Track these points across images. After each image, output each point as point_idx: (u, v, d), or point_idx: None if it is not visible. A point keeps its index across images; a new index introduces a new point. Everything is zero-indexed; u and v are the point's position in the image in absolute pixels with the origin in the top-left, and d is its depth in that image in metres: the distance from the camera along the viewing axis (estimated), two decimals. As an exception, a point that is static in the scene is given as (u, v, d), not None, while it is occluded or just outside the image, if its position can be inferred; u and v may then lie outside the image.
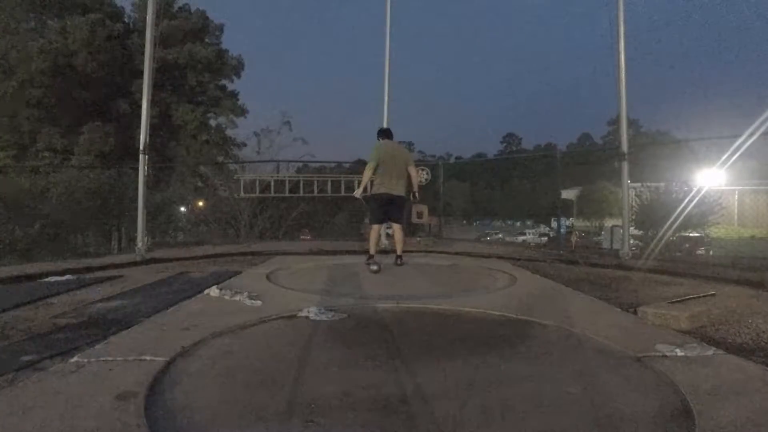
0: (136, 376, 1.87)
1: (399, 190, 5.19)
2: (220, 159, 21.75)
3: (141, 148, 6.12)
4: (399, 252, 5.38)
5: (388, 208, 5.29)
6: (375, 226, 5.44)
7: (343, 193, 8.93)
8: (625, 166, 6.08)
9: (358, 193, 5.47)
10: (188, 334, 2.46)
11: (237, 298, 3.35)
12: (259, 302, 3.24)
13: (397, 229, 5.49)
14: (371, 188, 5.29)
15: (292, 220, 12.68)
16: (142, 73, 6.21)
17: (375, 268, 4.92)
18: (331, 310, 3.00)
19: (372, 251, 5.29)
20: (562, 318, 2.88)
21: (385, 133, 5.65)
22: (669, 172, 9.08)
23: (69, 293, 3.82)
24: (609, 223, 17.00)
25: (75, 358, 2.09)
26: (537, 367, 2.16)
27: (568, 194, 22.41)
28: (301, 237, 12.89)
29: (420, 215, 8.84)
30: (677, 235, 7.44)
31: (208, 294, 3.52)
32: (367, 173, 5.14)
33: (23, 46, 20.10)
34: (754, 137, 5.42)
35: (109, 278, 4.55)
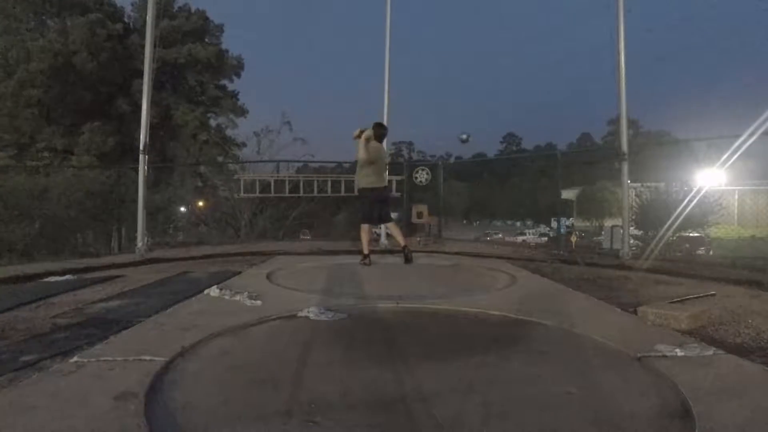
0: (136, 376, 1.87)
1: (383, 182, 5.62)
2: (220, 159, 21.74)
3: (141, 148, 6.12)
4: (404, 243, 5.45)
5: (378, 207, 5.52)
6: (365, 226, 5.52)
7: (343, 193, 8.92)
8: (625, 166, 6.08)
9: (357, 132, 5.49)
10: (188, 334, 2.46)
11: (237, 298, 3.35)
12: (259, 302, 3.24)
13: (392, 227, 5.69)
14: (357, 180, 5.54)
15: (292, 220, 12.69)
16: (142, 73, 6.21)
17: (367, 262, 5.26)
18: (331, 310, 3.00)
19: (366, 250, 5.34)
20: (562, 318, 2.88)
21: (383, 130, 5.70)
22: (669, 172, 9.07)
23: (69, 293, 3.81)
24: (609, 223, 17.00)
25: (75, 358, 2.09)
26: (537, 367, 2.16)
27: (568, 194, 22.41)
28: (301, 237, 12.89)
29: (420, 215, 8.84)
30: (677, 235, 7.44)
31: (208, 294, 3.52)
32: (361, 150, 5.29)
33: (23, 46, 20.11)
34: (754, 137, 5.41)
35: (109, 278, 4.55)
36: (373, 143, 5.47)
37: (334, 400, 1.73)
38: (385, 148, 5.92)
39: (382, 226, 7.05)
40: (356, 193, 5.81)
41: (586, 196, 23.81)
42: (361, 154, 5.29)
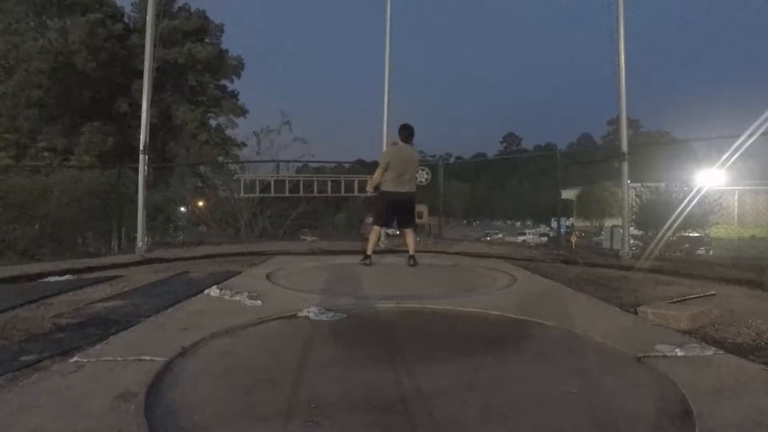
0: (136, 376, 1.87)
1: (408, 188, 5.34)
2: (220, 159, 21.74)
3: (141, 148, 6.12)
4: (412, 252, 5.38)
5: (397, 212, 5.44)
6: (377, 228, 5.49)
7: (343, 193, 8.92)
8: (625, 166, 6.08)
9: (369, 188, 5.74)
10: (188, 334, 2.46)
11: (237, 298, 3.35)
12: (259, 302, 3.24)
13: (408, 233, 5.50)
14: (381, 187, 5.42)
15: (292, 220, 12.67)
16: (142, 73, 6.20)
17: (368, 262, 5.27)
18: (331, 310, 3.00)
19: (369, 251, 5.34)
20: (562, 318, 2.88)
21: (404, 132, 5.53)
22: (669, 172, 9.07)
23: (69, 293, 3.81)
24: (609, 223, 17.00)
25: (75, 358, 2.09)
26: (537, 367, 2.16)
27: (568, 194, 22.41)
28: (301, 237, 12.88)
29: (420, 215, 8.85)
30: (677, 235, 7.43)
31: (208, 294, 3.52)
32: (376, 176, 5.34)
33: (23, 46, 20.11)
34: (754, 137, 5.41)
35: (109, 278, 4.54)
36: (392, 149, 5.46)
37: (335, 400, 1.73)
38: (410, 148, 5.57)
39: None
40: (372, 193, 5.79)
41: (586, 196, 23.82)
42: (378, 176, 5.32)
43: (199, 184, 15.49)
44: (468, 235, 19.55)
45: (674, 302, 3.33)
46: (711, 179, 8.02)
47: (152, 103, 6.42)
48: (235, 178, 11.89)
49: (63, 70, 20.73)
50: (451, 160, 35.35)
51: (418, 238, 8.32)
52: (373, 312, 3.16)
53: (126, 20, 24.14)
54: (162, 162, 17.39)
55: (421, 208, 8.91)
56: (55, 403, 1.63)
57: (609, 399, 1.77)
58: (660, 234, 6.59)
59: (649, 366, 2.09)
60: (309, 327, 2.75)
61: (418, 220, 8.85)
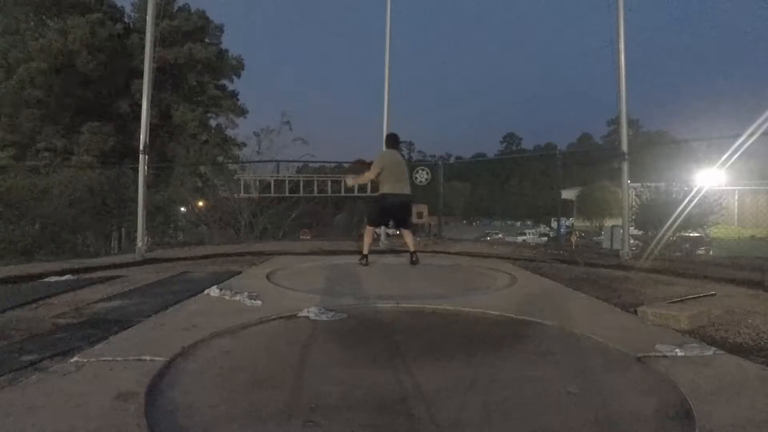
0: (136, 376, 1.87)
1: (406, 189, 5.53)
2: (220, 159, 21.73)
3: (141, 148, 6.11)
4: (413, 249, 5.46)
5: (394, 213, 5.57)
6: (370, 228, 5.57)
7: (343, 193, 8.94)
8: (625, 166, 6.08)
9: (349, 181, 6.34)
10: (188, 334, 2.46)
11: (237, 298, 3.35)
12: (259, 302, 3.24)
13: (406, 233, 5.64)
14: (381, 189, 5.52)
15: (292, 220, 12.67)
16: (142, 73, 6.20)
17: (364, 262, 5.30)
18: (331, 310, 3.00)
19: (366, 251, 5.37)
20: (562, 318, 2.88)
21: (390, 140, 5.79)
22: (669, 172, 9.06)
23: (69, 293, 3.81)
24: (609, 223, 16.99)
25: (75, 358, 2.09)
26: (537, 367, 2.16)
27: (568, 194, 22.42)
28: (301, 237, 12.89)
29: (420, 215, 8.85)
30: (677, 235, 7.43)
31: (208, 294, 3.52)
32: (370, 174, 5.50)
33: (23, 46, 20.11)
34: (754, 137, 5.41)
35: (109, 278, 4.54)
36: (386, 153, 5.61)
37: (335, 401, 1.73)
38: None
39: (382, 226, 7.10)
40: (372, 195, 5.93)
41: (586, 196, 23.82)
42: (372, 176, 5.46)
43: (199, 184, 15.49)
44: (468, 235, 19.54)
45: (674, 302, 3.33)
46: (711, 179, 8.02)
47: (152, 103, 6.42)
48: (235, 178, 11.90)
49: (63, 70, 20.73)
50: (451, 160, 35.38)
51: (418, 238, 8.33)
52: (373, 312, 3.16)
53: (126, 20, 24.15)
54: (162, 162, 17.38)
55: (421, 208, 8.91)
56: (55, 403, 1.63)
57: (609, 399, 1.77)
58: (660, 234, 6.58)
59: (649, 366, 2.09)
60: (309, 327, 2.75)
61: (417, 220, 8.88)
